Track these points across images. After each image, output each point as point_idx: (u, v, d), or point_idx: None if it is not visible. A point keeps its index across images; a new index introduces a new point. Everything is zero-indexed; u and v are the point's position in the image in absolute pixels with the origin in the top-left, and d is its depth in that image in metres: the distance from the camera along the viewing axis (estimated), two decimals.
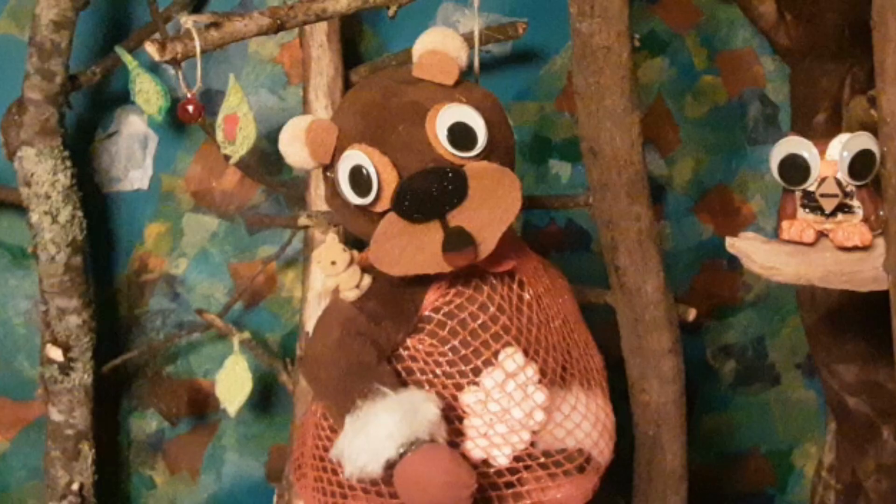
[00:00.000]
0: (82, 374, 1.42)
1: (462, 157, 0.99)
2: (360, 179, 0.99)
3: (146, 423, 1.58)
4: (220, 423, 1.60)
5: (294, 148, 1.03)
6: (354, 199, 1.00)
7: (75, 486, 1.43)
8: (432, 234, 0.98)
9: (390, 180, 0.99)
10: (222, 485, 1.61)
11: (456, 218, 0.98)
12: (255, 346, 1.48)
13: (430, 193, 0.97)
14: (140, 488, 1.59)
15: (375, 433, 0.96)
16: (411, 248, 0.98)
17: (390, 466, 0.96)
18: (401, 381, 1.02)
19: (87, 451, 1.44)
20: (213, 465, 1.61)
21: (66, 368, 1.41)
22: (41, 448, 1.45)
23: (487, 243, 0.99)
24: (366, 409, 0.98)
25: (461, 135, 1.00)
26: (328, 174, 1.04)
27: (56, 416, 1.42)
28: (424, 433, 0.97)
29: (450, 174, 0.97)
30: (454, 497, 0.96)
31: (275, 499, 1.48)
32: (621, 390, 1.20)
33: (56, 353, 1.40)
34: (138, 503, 1.59)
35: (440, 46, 1.04)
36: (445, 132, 0.99)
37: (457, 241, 0.97)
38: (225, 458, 1.61)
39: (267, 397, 1.59)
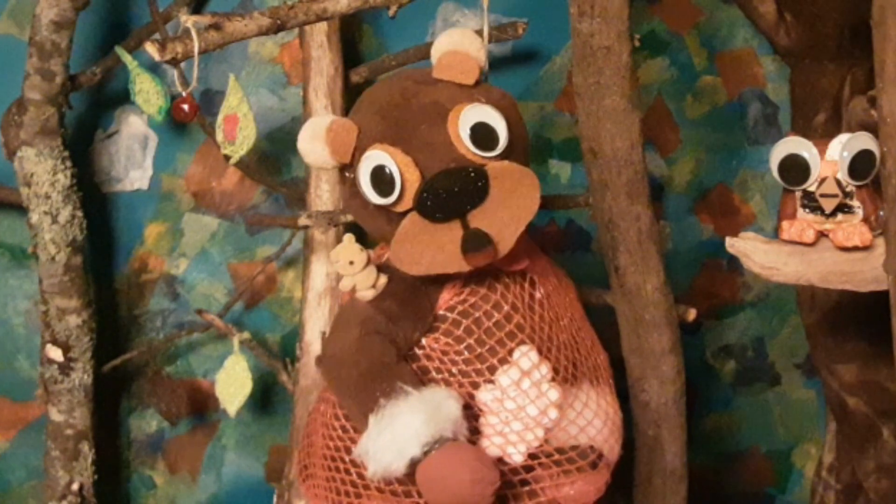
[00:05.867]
0: (82, 374, 1.42)
1: (484, 157, 1.00)
2: (382, 179, 1.00)
3: (146, 423, 1.58)
4: (220, 423, 1.60)
5: (315, 147, 1.03)
6: (376, 199, 1.01)
7: (75, 486, 1.43)
8: (453, 233, 0.99)
9: (413, 180, 0.99)
10: (222, 485, 1.61)
11: (476, 217, 0.99)
12: (255, 346, 1.48)
13: (453, 193, 0.98)
14: (140, 488, 1.59)
15: (401, 432, 0.97)
16: (432, 248, 0.99)
17: (414, 465, 0.97)
18: (419, 380, 1.02)
19: (87, 451, 1.44)
20: (213, 465, 1.61)
21: (66, 368, 1.41)
22: (41, 448, 1.45)
23: (506, 243, 1.00)
24: (389, 408, 0.98)
25: (483, 135, 1.00)
26: (347, 174, 1.04)
27: (56, 416, 1.42)
28: (448, 431, 0.97)
29: (472, 174, 0.98)
30: (479, 494, 0.96)
31: (275, 499, 1.48)
32: (621, 390, 1.20)
33: (56, 353, 1.40)
34: (138, 503, 1.59)
35: (460, 47, 1.05)
36: (468, 132, 1.00)
37: (476, 240, 0.98)
38: (225, 458, 1.61)
39: (267, 397, 1.59)
